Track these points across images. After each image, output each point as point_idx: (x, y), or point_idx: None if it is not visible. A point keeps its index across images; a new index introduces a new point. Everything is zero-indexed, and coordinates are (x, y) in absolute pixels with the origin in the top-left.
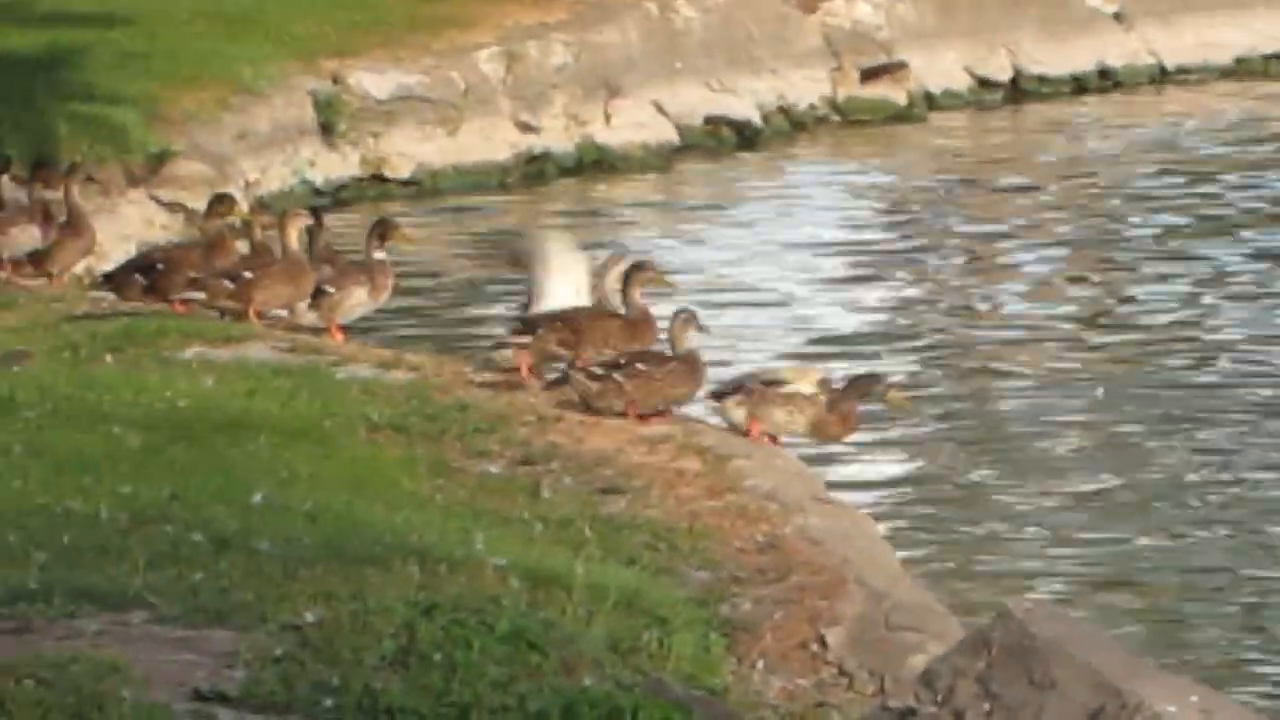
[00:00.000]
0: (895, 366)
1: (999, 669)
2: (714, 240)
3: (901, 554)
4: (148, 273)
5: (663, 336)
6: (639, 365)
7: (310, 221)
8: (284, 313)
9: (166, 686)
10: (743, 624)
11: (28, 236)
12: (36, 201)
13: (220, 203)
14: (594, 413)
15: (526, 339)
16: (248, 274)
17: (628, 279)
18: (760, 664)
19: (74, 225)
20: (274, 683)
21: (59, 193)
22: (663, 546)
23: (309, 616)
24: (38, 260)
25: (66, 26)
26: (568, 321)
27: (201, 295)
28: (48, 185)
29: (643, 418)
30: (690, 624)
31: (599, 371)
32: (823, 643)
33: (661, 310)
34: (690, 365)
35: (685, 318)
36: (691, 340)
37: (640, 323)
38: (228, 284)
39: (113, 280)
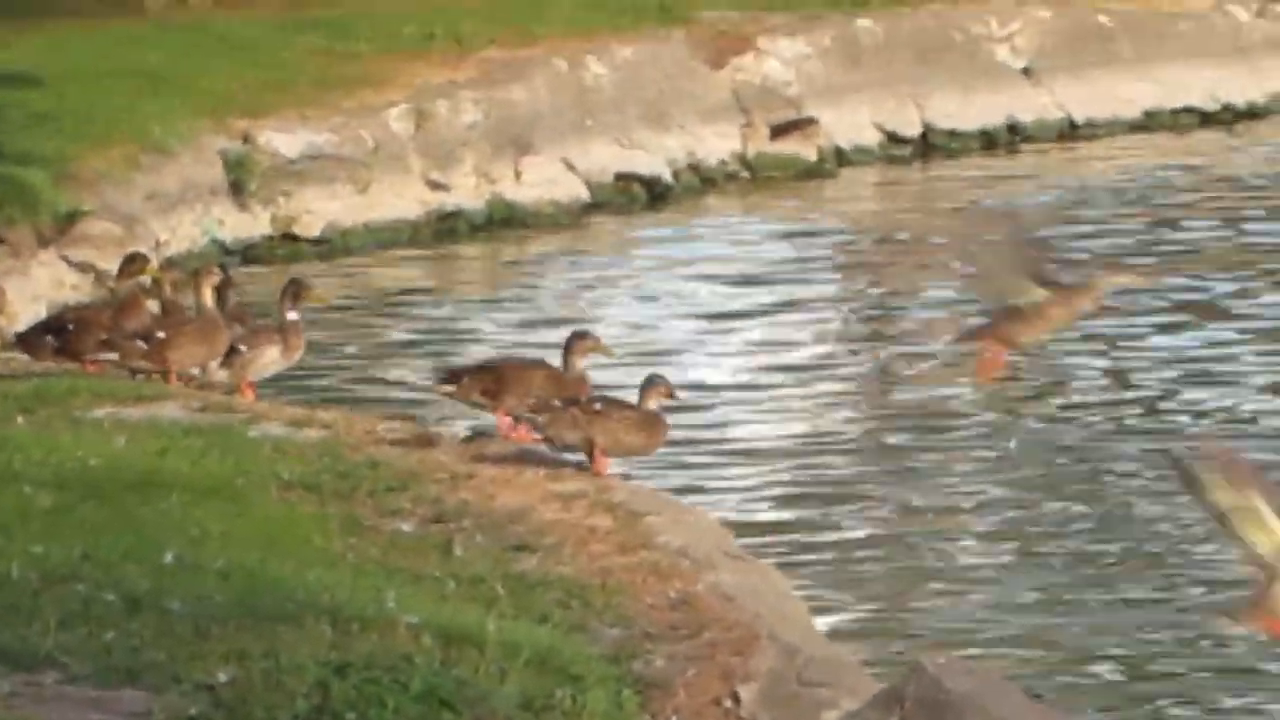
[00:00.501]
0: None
1: None
2: (616, 298)
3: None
4: (59, 333)
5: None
6: (596, 406)
7: (221, 279)
8: (197, 371)
9: None
10: (656, 681)
11: None
12: None
13: (132, 262)
14: (550, 445)
15: (450, 387)
16: (160, 334)
17: (568, 347)
18: None
19: None
20: None
21: None
22: (575, 604)
23: (222, 676)
24: None
25: None
26: (491, 370)
27: (114, 356)
28: None
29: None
30: (603, 681)
31: (555, 404)
32: (736, 699)
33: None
34: (650, 419)
35: (659, 386)
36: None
37: (574, 381)
38: (141, 344)
39: (24, 341)
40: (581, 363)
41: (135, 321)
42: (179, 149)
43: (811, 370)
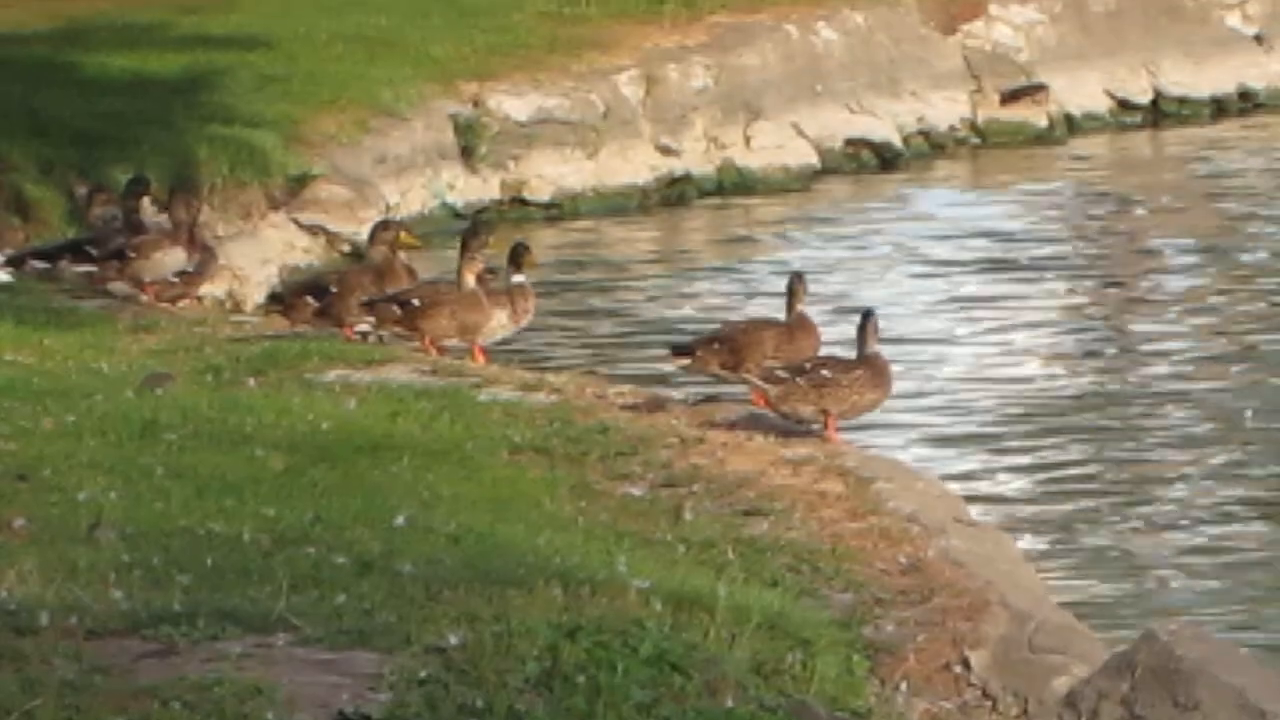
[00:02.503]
0: (1038, 384)
1: (1143, 691)
2: (851, 261)
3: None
4: (320, 295)
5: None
6: (824, 372)
7: (483, 267)
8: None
9: (311, 709)
10: (886, 646)
11: (172, 259)
12: (180, 224)
13: (386, 229)
14: (782, 416)
15: (685, 360)
16: (416, 301)
17: (791, 290)
18: (904, 686)
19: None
20: (418, 705)
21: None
22: (805, 569)
23: (452, 639)
24: (188, 281)
25: (205, 50)
26: (725, 341)
27: (372, 320)
28: (187, 209)
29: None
30: (833, 646)
31: (782, 374)
32: (966, 665)
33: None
34: (876, 370)
35: (873, 322)
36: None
37: (798, 329)
38: (396, 310)
39: (282, 301)
40: (800, 305)
41: (394, 287)
42: (409, 113)
43: (1044, 336)
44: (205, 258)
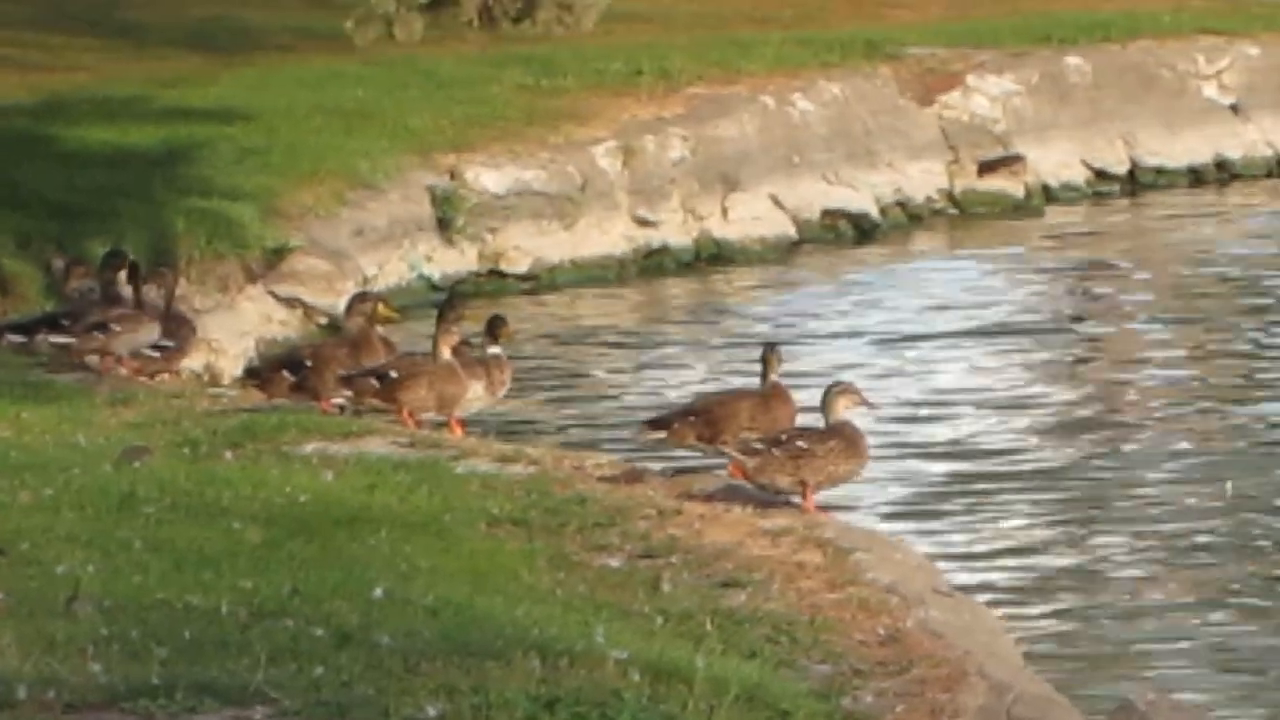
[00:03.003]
0: (1003, 442)
1: None
2: (827, 332)
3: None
4: (296, 369)
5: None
6: (800, 443)
7: (457, 340)
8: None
9: None
10: (865, 717)
11: (146, 334)
12: (152, 300)
13: (362, 300)
14: (759, 488)
15: (661, 434)
16: (394, 374)
17: (765, 361)
18: None
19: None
20: None
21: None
22: (784, 639)
23: (431, 711)
24: (169, 357)
25: (185, 122)
26: (701, 413)
27: (350, 393)
28: (160, 284)
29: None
30: (812, 717)
31: (758, 445)
32: None
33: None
34: (850, 439)
35: (840, 389)
36: (846, 414)
37: (774, 399)
38: (374, 383)
39: (258, 376)
40: (774, 376)
41: (370, 359)
42: (386, 185)
43: (1019, 401)
44: (185, 332)
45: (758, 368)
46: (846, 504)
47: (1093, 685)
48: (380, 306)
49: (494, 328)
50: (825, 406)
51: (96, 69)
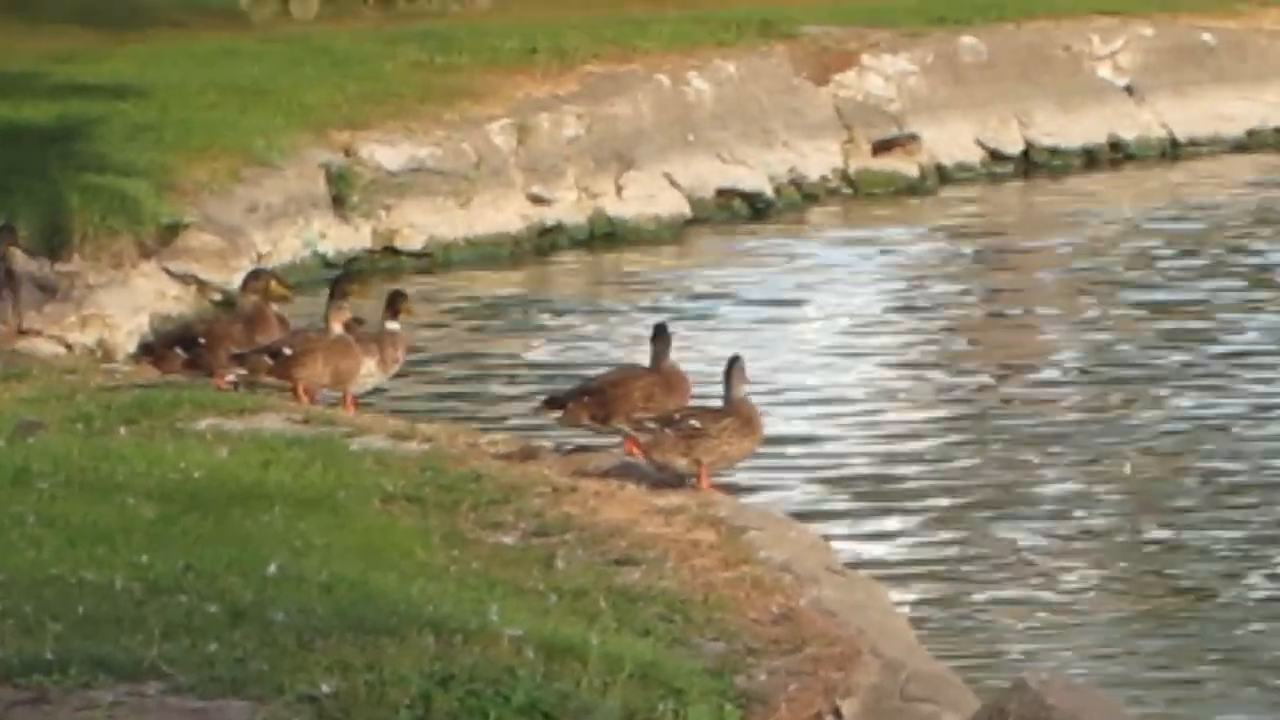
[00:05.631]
0: (904, 428)
1: None
2: (723, 313)
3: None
4: (189, 346)
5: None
6: (693, 422)
7: (350, 319)
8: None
9: None
10: (758, 695)
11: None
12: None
13: (257, 278)
14: (656, 466)
15: (557, 413)
16: (288, 351)
17: (656, 340)
18: None
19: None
20: None
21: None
22: (677, 618)
23: (325, 687)
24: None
25: (78, 98)
26: (595, 393)
27: (244, 370)
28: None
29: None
30: (705, 695)
31: (651, 425)
32: (838, 714)
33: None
34: (744, 418)
35: (740, 366)
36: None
37: (668, 379)
38: (269, 360)
39: (152, 352)
40: (667, 356)
41: (265, 336)
42: (281, 162)
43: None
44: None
45: (650, 348)
46: (744, 485)
47: (990, 670)
48: (274, 283)
49: (394, 303)
50: (727, 382)
51: None
